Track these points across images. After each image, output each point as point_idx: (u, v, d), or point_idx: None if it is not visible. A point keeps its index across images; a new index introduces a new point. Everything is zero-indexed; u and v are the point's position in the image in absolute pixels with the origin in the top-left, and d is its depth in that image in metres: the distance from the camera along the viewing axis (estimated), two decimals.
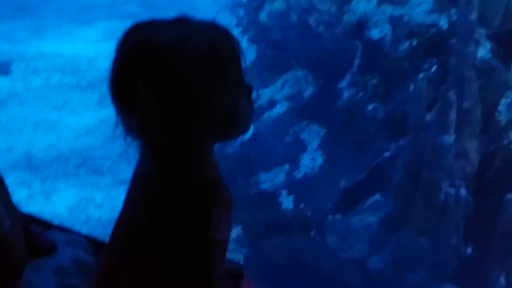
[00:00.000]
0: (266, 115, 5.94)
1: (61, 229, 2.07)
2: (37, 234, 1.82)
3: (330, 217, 4.70)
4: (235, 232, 4.92)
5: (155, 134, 1.19)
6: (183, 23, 1.25)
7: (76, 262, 1.77)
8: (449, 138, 4.16)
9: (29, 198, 5.28)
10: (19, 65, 7.50)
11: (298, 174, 5.28)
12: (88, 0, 9.82)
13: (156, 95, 1.17)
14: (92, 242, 1.94)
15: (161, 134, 1.18)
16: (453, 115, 4.17)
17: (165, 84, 1.18)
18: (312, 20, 5.51)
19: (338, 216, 4.69)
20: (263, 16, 5.59)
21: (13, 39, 8.25)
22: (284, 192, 5.25)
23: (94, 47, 7.91)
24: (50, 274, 1.75)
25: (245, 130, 1.28)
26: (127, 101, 1.21)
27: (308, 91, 5.78)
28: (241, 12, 7.82)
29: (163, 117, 1.18)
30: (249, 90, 1.26)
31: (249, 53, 6.81)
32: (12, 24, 8.75)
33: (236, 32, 7.55)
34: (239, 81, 1.23)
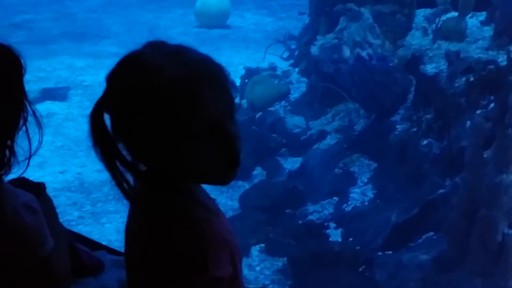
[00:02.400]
0: (316, 146, 5.92)
1: (110, 249, 2.07)
2: (84, 252, 1.82)
3: (380, 253, 4.60)
4: (280, 263, 4.87)
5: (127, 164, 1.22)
6: (179, 52, 1.21)
7: (122, 284, 1.78)
8: (508, 177, 4.04)
9: (79, 219, 5.36)
10: (76, 92, 7.70)
11: (347, 207, 5.21)
12: (145, 31, 10.08)
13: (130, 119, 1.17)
14: None
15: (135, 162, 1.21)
16: (511, 154, 4.06)
17: (128, 104, 1.18)
18: (364, 54, 5.49)
19: (389, 252, 4.58)
20: (315, 49, 5.60)
21: (71, 67, 8.50)
22: (332, 225, 5.18)
23: None
24: None
25: (221, 180, 1.21)
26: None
27: (360, 124, 5.73)
28: (293, 46, 7.89)
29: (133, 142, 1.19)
30: (230, 139, 1.17)
31: (300, 85, 6.83)
32: (70, 52, 9.03)
33: (287, 64, 7.60)
34: (218, 124, 1.16)
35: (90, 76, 8.23)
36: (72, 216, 5.37)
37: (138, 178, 1.27)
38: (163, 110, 1.16)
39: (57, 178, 5.92)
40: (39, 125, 1.43)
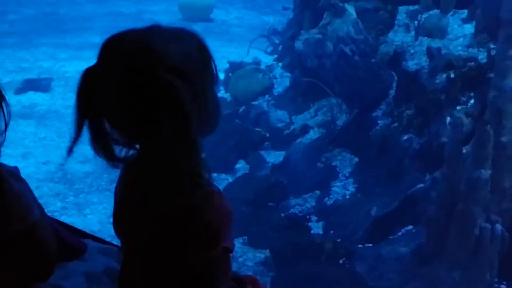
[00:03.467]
0: (298, 140, 5.97)
1: (94, 238, 2.09)
2: (66, 233, 1.82)
3: (360, 246, 4.67)
4: (263, 255, 4.92)
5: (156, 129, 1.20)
6: (157, 28, 1.29)
7: (108, 271, 1.77)
8: (486, 172, 4.12)
9: (62, 210, 5.36)
10: (59, 83, 7.67)
11: (329, 201, 5.27)
12: (128, 23, 10.03)
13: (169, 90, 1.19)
14: None
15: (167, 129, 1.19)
16: (490, 149, 4.15)
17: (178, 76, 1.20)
18: (347, 49, 5.55)
19: (369, 245, 4.66)
20: (299, 44, 5.65)
21: (54, 58, 8.45)
22: (314, 218, 5.25)
23: None
24: (81, 279, 1.75)
25: (214, 128, 1.32)
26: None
27: (342, 119, 5.80)
28: (277, 40, 7.93)
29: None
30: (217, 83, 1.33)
31: (283, 79, 6.88)
32: (53, 43, 8.98)
33: (271, 59, 7.65)
34: (216, 76, 1.31)
35: (73, 67, 8.19)
36: (55, 207, 5.37)
37: (146, 142, 1.26)
38: (199, 64, 1.26)
39: (40, 169, 5.91)
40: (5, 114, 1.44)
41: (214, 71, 1.30)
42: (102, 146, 1.30)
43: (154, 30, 1.29)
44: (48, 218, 1.65)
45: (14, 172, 1.49)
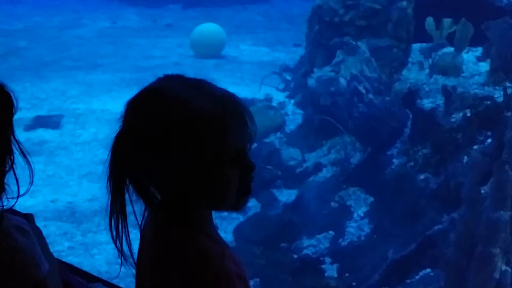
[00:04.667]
0: (311, 179, 5.88)
1: (105, 282, 2.02)
2: (78, 284, 1.77)
3: None
4: None
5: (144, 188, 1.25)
6: (201, 84, 1.26)
7: None
8: (506, 214, 4.00)
9: (70, 249, 5.26)
10: (69, 120, 7.67)
11: (343, 242, 5.15)
12: (138, 61, 10.08)
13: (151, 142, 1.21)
14: None
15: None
16: (510, 190, 4.03)
17: (158, 131, 1.21)
18: (361, 87, 5.50)
19: None
20: (311, 82, 5.61)
21: (64, 95, 8.47)
22: (328, 260, 5.11)
23: None
24: None
25: (234, 205, 1.26)
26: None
27: (356, 157, 5.71)
28: (288, 77, 7.90)
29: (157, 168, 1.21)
30: (249, 168, 1.24)
31: (295, 116, 6.82)
32: (64, 80, 9.01)
33: (282, 96, 7.61)
34: (238, 155, 1.22)
35: (83, 104, 8.20)
36: (63, 246, 5.28)
37: (151, 207, 1.29)
38: (194, 140, 1.20)
39: (48, 207, 5.84)
40: (28, 163, 1.42)
41: (229, 155, 1.22)
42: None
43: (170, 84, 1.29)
44: (59, 268, 1.60)
45: (20, 226, 1.43)
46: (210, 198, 1.24)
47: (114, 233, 1.33)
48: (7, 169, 1.43)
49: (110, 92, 8.60)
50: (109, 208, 1.34)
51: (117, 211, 1.33)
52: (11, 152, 1.43)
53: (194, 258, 1.20)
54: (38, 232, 1.58)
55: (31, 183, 1.47)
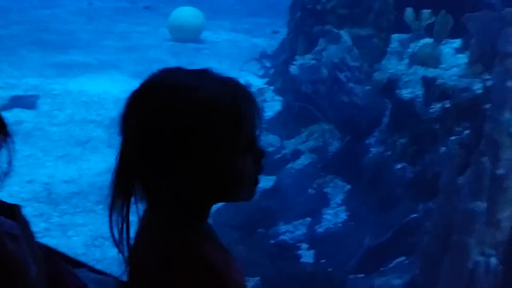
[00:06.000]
0: (289, 165, 5.90)
1: (91, 268, 2.00)
2: (67, 274, 1.75)
3: (352, 276, 4.59)
4: (252, 282, 4.81)
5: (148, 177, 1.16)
6: (206, 73, 1.20)
7: None
8: (482, 205, 4.08)
9: (46, 231, 5.21)
10: (45, 100, 7.56)
11: (320, 229, 5.20)
12: (116, 43, 9.97)
13: (157, 132, 1.14)
14: (121, 284, 1.88)
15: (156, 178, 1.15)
16: (486, 181, 4.10)
17: (169, 124, 1.14)
18: (342, 76, 5.53)
19: (361, 276, 4.58)
20: (293, 69, 5.62)
21: (40, 75, 8.35)
22: (304, 246, 5.16)
23: (120, 87, 7.96)
24: None
25: (247, 195, 1.22)
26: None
27: (334, 145, 5.75)
28: (268, 64, 7.91)
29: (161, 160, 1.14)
30: (260, 155, 1.19)
31: (274, 103, 6.83)
32: (40, 60, 8.88)
33: (262, 82, 7.60)
34: (251, 142, 1.18)
35: (59, 85, 8.09)
36: (39, 227, 5.22)
37: (155, 206, 1.22)
38: (211, 129, 1.14)
39: (24, 187, 5.76)
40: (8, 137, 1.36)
41: (243, 138, 1.17)
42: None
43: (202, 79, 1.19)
44: (45, 257, 1.57)
45: (11, 232, 1.39)
46: (227, 189, 1.18)
47: (116, 236, 1.25)
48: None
49: (87, 73, 8.50)
50: (109, 213, 1.25)
51: (122, 216, 1.24)
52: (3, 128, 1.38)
53: (201, 269, 1.14)
54: (26, 225, 1.55)
55: (10, 163, 1.42)
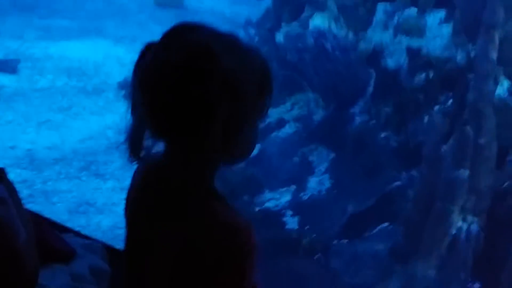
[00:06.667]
0: (274, 134, 5.93)
1: (77, 233, 2.01)
2: (54, 238, 1.75)
3: (336, 242, 4.67)
4: None
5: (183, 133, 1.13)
6: (234, 36, 1.21)
7: (93, 270, 1.75)
8: (464, 173, 4.17)
9: (29, 197, 5.19)
10: (26, 64, 7.44)
11: (304, 196, 5.26)
12: (99, 6, 9.80)
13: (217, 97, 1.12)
14: (108, 250, 1.89)
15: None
16: (469, 150, 4.19)
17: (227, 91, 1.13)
18: (328, 45, 5.53)
19: (344, 241, 4.66)
20: (279, 37, 5.60)
21: (21, 39, 8.19)
22: (289, 213, 5.22)
23: (102, 53, 7.86)
24: (67, 279, 1.70)
25: (246, 157, 1.23)
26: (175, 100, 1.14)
27: (319, 114, 5.78)
28: (252, 31, 7.85)
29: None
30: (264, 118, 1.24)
31: None
32: (20, 24, 8.70)
33: None
34: (265, 111, 1.21)
35: (40, 49, 7.96)
36: (22, 194, 5.16)
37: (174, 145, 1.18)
38: (259, 89, 1.17)
39: (7, 153, 5.71)
40: None
41: (266, 107, 1.20)
42: (135, 136, 1.19)
43: (229, 40, 1.20)
44: (32, 223, 1.56)
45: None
46: (244, 151, 1.20)
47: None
48: None
49: (68, 38, 8.36)
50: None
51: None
52: None
53: (230, 234, 1.14)
54: (11, 187, 1.54)
55: None
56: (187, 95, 1.13)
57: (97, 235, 5.11)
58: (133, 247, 1.26)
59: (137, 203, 1.25)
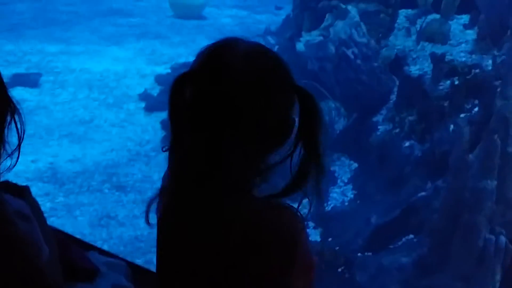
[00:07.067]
0: None
1: (102, 251, 1.98)
2: (77, 256, 1.72)
3: (360, 254, 4.57)
4: None
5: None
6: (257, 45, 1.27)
7: None
8: (492, 183, 4.04)
9: (52, 211, 5.19)
10: (48, 78, 7.49)
11: (327, 207, 5.16)
12: (118, 19, 9.85)
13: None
14: (132, 267, 1.85)
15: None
16: (497, 159, 4.06)
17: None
18: (350, 52, 5.45)
19: (369, 254, 4.56)
20: (300, 46, 5.53)
21: (42, 53, 8.26)
22: (311, 224, 5.13)
23: (122, 65, 7.88)
24: None
25: None
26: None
27: (340, 123, 5.69)
28: (272, 40, 7.80)
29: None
30: None
31: None
32: (41, 37, 8.78)
33: None
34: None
35: (61, 62, 8.01)
36: (45, 207, 5.15)
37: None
38: (273, 83, 1.22)
39: (29, 167, 5.72)
40: (19, 116, 1.32)
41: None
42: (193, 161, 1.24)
43: (230, 44, 1.26)
44: (57, 241, 1.53)
45: (22, 212, 1.35)
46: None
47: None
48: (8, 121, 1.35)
49: (88, 50, 8.41)
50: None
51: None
52: (11, 103, 1.34)
53: (288, 232, 1.20)
54: (35, 206, 1.52)
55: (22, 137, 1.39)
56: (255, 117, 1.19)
57: (119, 248, 5.10)
58: (171, 264, 1.26)
59: (174, 215, 1.25)
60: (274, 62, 1.25)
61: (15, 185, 1.50)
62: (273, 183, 1.37)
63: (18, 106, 1.37)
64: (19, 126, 1.35)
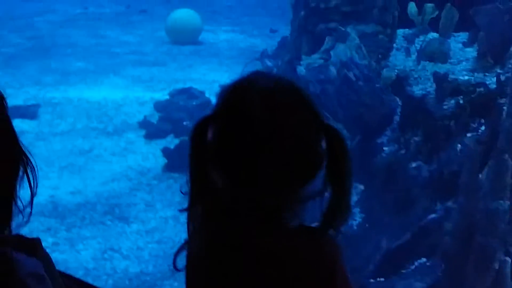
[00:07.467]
0: None
1: None
2: None
3: (372, 280, 4.47)
4: None
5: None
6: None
7: None
8: (504, 204, 3.97)
9: (54, 245, 5.08)
10: (46, 109, 7.42)
11: None
12: (114, 47, 9.83)
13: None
14: None
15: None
16: (508, 179, 4.00)
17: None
18: (351, 75, 5.41)
19: (381, 280, 4.46)
20: (301, 69, 5.50)
21: (39, 84, 8.21)
22: None
23: (121, 93, 7.83)
24: None
25: None
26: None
27: None
28: (269, 63, 7.79)
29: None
30: None
31: None
32: (37, 68, 8.73)
33: None
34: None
35: (59, 93, 7.95)
36: (47, 242, 5.09)
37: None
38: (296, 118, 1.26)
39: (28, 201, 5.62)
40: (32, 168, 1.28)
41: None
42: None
43: (250, 81, 1.26)
44: None
45: (37, 273, 1.31)
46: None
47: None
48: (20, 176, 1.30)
49: (86, 80, 8.36)
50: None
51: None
52: (23, 155, 1.30)
53: (330, 260, 1.24)
54: (47, 260, 1.47)
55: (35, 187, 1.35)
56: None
57: (124, 282, 4.99)
58: None
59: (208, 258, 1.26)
60: (296, 98, 1.24)
61: (27, 239, 1.45)
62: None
63: (31, 159, 1.32)
64: (32, 180, 1.31)
